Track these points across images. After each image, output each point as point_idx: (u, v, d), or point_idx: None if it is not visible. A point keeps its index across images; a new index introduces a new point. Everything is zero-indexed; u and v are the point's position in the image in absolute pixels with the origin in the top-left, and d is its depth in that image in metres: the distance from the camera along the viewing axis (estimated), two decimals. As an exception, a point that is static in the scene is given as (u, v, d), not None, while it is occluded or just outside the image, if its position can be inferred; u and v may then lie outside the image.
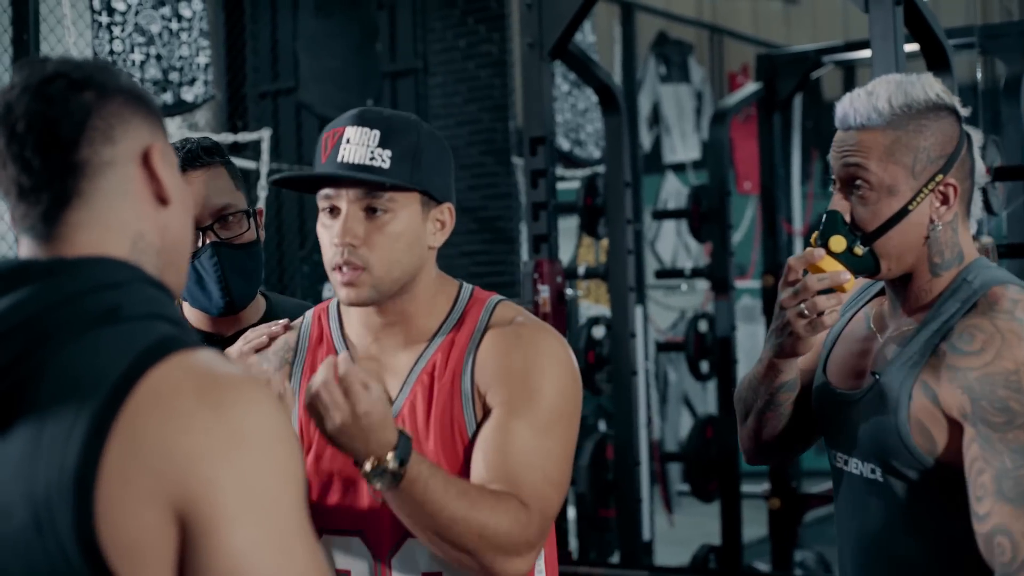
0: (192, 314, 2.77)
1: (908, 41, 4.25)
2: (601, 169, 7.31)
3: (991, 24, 6.72)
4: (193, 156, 2.66)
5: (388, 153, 2.17)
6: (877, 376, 2.29)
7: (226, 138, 6.48)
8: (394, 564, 2.22)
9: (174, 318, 1.46)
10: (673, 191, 9.64)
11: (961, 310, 2.22)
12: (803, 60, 6.61)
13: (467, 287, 2.36)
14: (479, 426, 2.22)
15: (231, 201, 2.69)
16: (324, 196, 2.21)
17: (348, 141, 2.18)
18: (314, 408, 2.02)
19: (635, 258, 6.00)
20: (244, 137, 6.68)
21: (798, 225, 9.31)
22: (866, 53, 4.30)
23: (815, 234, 2.30)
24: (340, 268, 2.18)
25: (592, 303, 8.28)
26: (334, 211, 2.20)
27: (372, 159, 2.17)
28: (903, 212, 2.25)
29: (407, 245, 2.20)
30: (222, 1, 6.79)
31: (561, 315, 5.33)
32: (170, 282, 1.53)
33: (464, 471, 2.21)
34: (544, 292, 5.27)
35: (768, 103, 6.71)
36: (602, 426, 7.15)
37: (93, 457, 1.31)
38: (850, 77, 9.48)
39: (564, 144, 8.10)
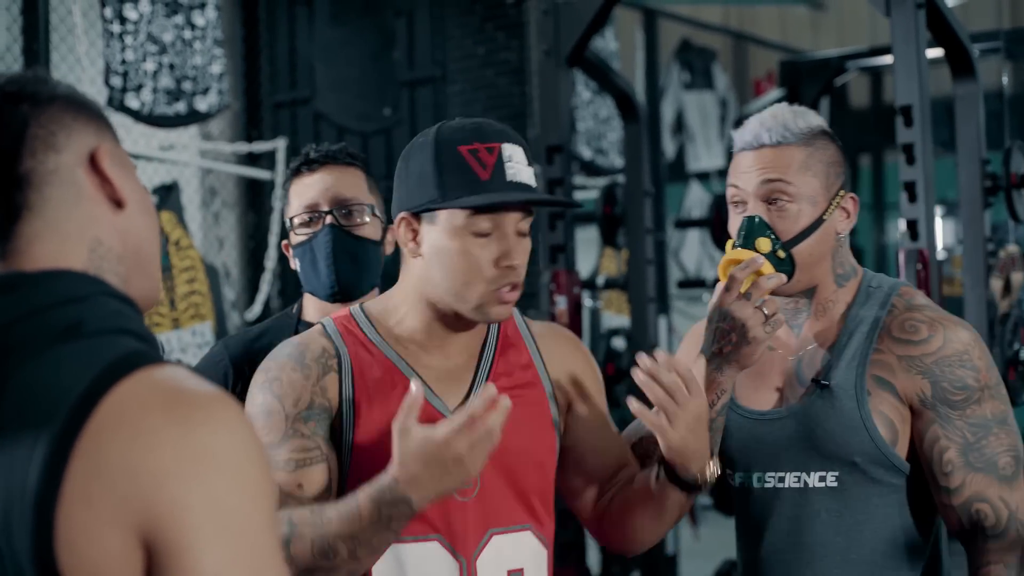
0: (309, 310, 2.84)
1: (931, 46, 4.17)
2: (621, 178, 7.21)
3: (1019, 28, 6.62)
4: (331, 154, 2.80)
5: (534, 171, 2.25)
6: (826, 383, 2.38)
7: (241, 148, 6.44)
8: (480, 564, 2.22)
9: (140, 332, 1.41)
10: (697, 200, 9.55)
11: (883, 309, 2.40)
12: (827, 66, 6.52)
13: None
14: (562, 418, 2.38)
15: (361, 198, 2.80)
16: (488, 218, 2.20)
17: (511, 160, 2.21)
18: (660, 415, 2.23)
19: (657, 268, 5.91)
20: (259, 147, 6.62)
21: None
22: (890, 58, 4.21)
23: (731, 240, 2.42)
24: (507, 288, 2.22)
25: (615, 313, 8.19)
26: (495, 232, 2.21)
27: (531, 177, 2.24)
28: (819, 221, 2.39)
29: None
30: (238, 10, 6.73)
31: (577, 326, 5.25)
32: (138, 290, 1.49)
33: (544, 470, 2.33)
34: (561, 303, 5.18)
35: (792, 110, 6.60)
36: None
37: (54, 479, 1.26)
38: (877, 83, 9.39)
39: (586, 153, 8.01)
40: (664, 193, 8.11)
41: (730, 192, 2.45)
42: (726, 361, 2.34)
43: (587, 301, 7.34)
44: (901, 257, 4.06)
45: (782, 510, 2.44)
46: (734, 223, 2.44)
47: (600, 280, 6.02)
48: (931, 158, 4.04)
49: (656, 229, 8.05)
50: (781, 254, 2.38)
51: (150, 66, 5.77)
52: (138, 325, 1.42)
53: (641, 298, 5.57)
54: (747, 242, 2.38)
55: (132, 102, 5.75)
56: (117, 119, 5.83)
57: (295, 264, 2.81)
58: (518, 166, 2.20)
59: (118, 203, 1.47)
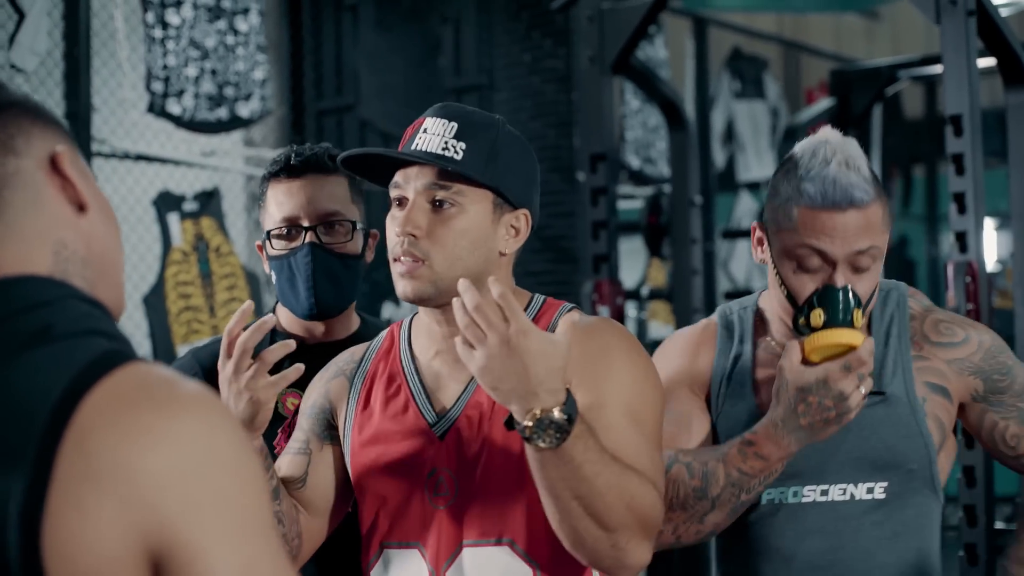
0: (284, 320, 2.75)
1: (983, 55, 4.08)
2: (667, 188, 7.15)
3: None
4: (315, 160, 2.65)
5: (463, 145, 2.12)
6: (881, 392, 2.34)
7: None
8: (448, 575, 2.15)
9: (112, 333, 1.36)
10: (747, 210, 9.44)
11: (899, 311, 2.41)
12: (878, 75, 6.42)
13: (540, 297, 2.29)
14: None
15: (341, 210, 2.67)
16: (394, 185, 2.16)
17: (425, 131, 2.14)
18: (467, 344, 1.93)
19: (706, 278, 5.83)
20: (303, 154, 6.58)
21: (877, 245, 9.08)
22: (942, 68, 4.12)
23: (816, 312, 2.25)
24: (399, 259, 2.12)
25: (663, 324, 8.11)
26: (402, 202, 2.15)
27: (445, 149, 2.11)
28: (879, 271, 2.34)
29: (471, 243, 2.13)
30: (284, 16, 6.70)
31: (620, 338, 5.16)
32: (104, 297, 1.44)
33: (526, 484, 2.09)
34: (603, 313, 5.11)
35: (842, 119, 6.53)
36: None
37: (39, 486, 1.20)
38: (931, 93, 9.26)
39: (634, 162, 7.94)
40: (713, 203, 8.01)
41: (803, 253, 2.27)
42: (812, 433, 2.23)
43: (631, 312, 7.26)
44: (950, 270, 3.97)
45: (822, 525, 2.37)
46: (801, 285, 2.28)
47: (644, 290, 5.93)
48: (981, 168, 3.95)
49: (705, 239, 8.00)
50: (863, 319, 2.29)
51: (192, 71, 5.76)
52: (109, 326, 1.38)
53: (686, 309, 5.50)
54: (845, 318, 2.22)
55: (173, 107, 5.74)
56: (158, 125, 5.81)
57: (268, 270, 2.73)
58: (429, 136, 2.12)
59: (81, 206, 1.44)
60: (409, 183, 2.13)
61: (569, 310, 2.23)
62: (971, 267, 3.93)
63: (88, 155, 5.17)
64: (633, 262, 7.47)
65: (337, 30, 7.01)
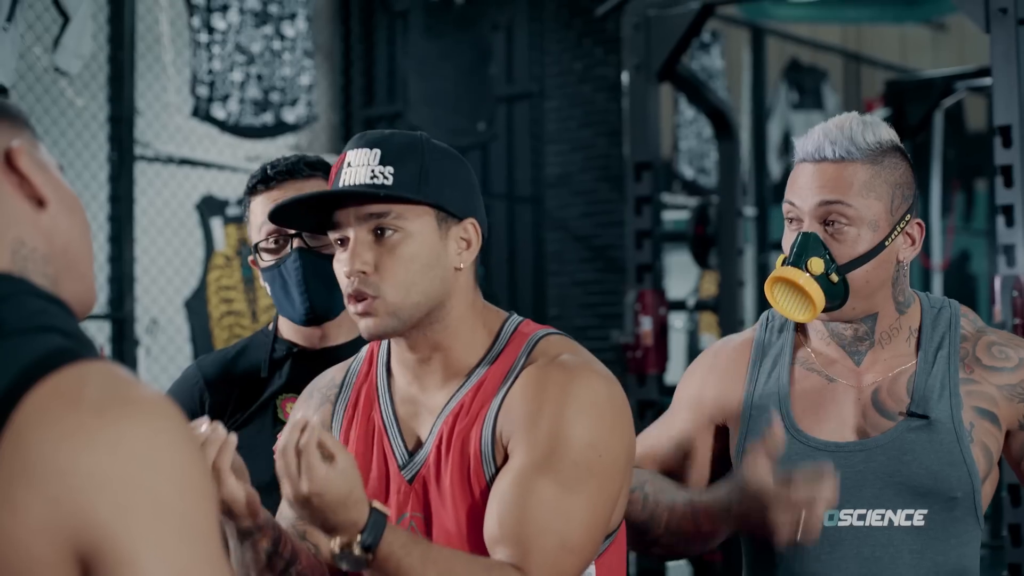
0: (284, 327, 2.72)
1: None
2: (716, 199, 7.09)
3: None
4: (292, 168, 2.62)
5: (390, 170, 2.02)
6: (924, 415, 2.25)
7: (332, 160, 6.39)
8: None
9: (68, 330, 1.32)
10: (804, 222, 9.35)
11: (955, 333, 2.31)
12: (933, 86, 6.33)
13: (515, 319, 2.16)
14: (497, 474, 2.02)
15: None
16: (333, 229, 2.07)
17: (349, 165, 2.05)
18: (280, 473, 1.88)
19: (759, 290, 5.76)
20: (350, 160, 6.57)
21: (936, 259, 8.96)
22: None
23: (782, 256, 2.26)
24: (353, 300, 2.04)
25: (714, 335, 8.03)
26: (344, 242, 2.06)
27: (373, 177, 2.02)
28: (879, 247, 2.23)
29: (423, 267, 2.03)
30: (336, 23, 6.70)
31: (663, 348, 5.10)
32: (71, 292, 1.41)
33: (481, 524, 2.01)
34: (646, 323, 5.04)
35: (897, 130, 6.40)
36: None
37: None
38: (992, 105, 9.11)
39: (687, 172, 7.87)
40: (769, 215, 7.93)
41: (785, 208, 2.28)
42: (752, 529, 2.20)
43: (678, 323, 7.19)
44: (997, 284, 3.88)
45: (859, 550, 2.27)
46: (788, 240, 2.28)
47: (690, 301, 5.86)
48: (1030, 180, 3.86)
49: (759, 251, 7.91)
50: (835, 278, 2.21)
51: (237, 76, 5.76)
52: (65, 323, 1.33)
53: (732, 320, 5.44)
54: (799, 260, 2.21)
55: (218, 112, 5.74)
56: (202, 129, 5.81)
57: (263, 283, 2.71)
58: (354, 168, 2.04)
59: (39, 202, 1.40)
60: (347, 221, 2.04)
61: (542, 337, 2.10)
62: (1019, 281, 3.84)
63: (131, 159, 5.17)
64: (685, 273, 7.41)
65: (387, 36, 7.00)
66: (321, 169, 2.65)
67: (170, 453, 1.22)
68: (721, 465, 2.41)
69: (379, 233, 2.03)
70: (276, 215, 2.12)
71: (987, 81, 6.27)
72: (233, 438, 1.95)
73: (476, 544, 2.03)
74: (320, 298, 2.60)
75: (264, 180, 2.63)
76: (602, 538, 2.04)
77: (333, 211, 2.07)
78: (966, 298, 2.42)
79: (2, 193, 1.37)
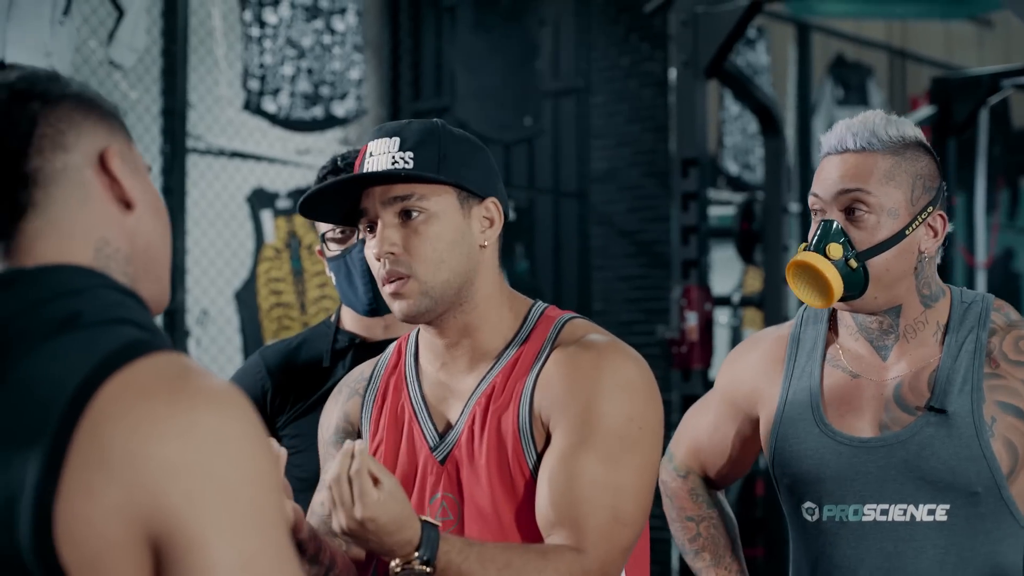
0: (347, 319, 2.78)
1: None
2: (761, 194, 7.09)
3: None
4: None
5: (410, 154, 2.10)
6: (942, 409, 2.26)
7: (379, 154, 6.43)
8: None
9: (144, 323, 1.37)
10: (848, 218, 9.34)
11: (983, 328, 2.30)
12: (979, 84, 6.31)
13: (540, 305, 2.23)
14: (539, 456, 2.07)
15: None
16: (360, 216, 2.15)
17: (371, 154, 2.13)
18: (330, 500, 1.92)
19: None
20: (398, 154, 6.61)
21: (981, 257, 8.94)
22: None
23: (803, 244, 2.30)
24: (385, 282, 2.11)
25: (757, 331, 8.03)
26: (372, 227, 2.13)
27: (395, 162, 2.10)
28: (899, 236, 2.26)
29: (450, 244, 2.11)
30: (386, 17, 6.74)
31: (708, 344, 5.13)
32: (146, 292, 1.45)
33: (524, 505, 2.08)
34: (691, 319, 5.07)
35: (943, 127, 6.43)
36: (752, 461, 6.92)
37: (53, 470, 1.22)
38: (1040, 103, 9.07)
39: (733, 168, 7.88)
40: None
41: (810, 200, 2.32)
42: None
43: (722, 318, 7.20)
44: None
45: (882, 545, 2.29)
46: (812, 231, 2.31)
47: (735, 297, 5.88)
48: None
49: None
50: (853, 264, 2.24)
51: (288, 70, 5.81)
52: (141, 315, 1.38)
53: (776, 316, 5.45)
54: (819, 246, 2.25)
55: (269, 106, 5.79)
56: (253, 122, 5.87)
57: (328, 272, 2.75)
58: (376, 157, 2.11)
59: (127, 204, 1.44)
60: (373, 206, 2.11)
61: (567, 320, 2.17)
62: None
63: (183, 151, 5.24)
64: (730, 268, 7.41)
65: (435, 31, 7.04)
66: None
67: (239, 442, 1.26)
68: (749, 453, 2.52)
69: (405, 216, 2.10)
70: (305, 208, 2.18)
71: (1036, 79, 6.28)
72: (283, 453, 1.99)
73: (509, 522, 2.10)
74: None
75: (335, 171, 2.68)
76: (650, 507, 2.10)
77: (359, 201, 2.14)
78: (1010, 295, 2.42)
79: (92, 194, 1.42)
